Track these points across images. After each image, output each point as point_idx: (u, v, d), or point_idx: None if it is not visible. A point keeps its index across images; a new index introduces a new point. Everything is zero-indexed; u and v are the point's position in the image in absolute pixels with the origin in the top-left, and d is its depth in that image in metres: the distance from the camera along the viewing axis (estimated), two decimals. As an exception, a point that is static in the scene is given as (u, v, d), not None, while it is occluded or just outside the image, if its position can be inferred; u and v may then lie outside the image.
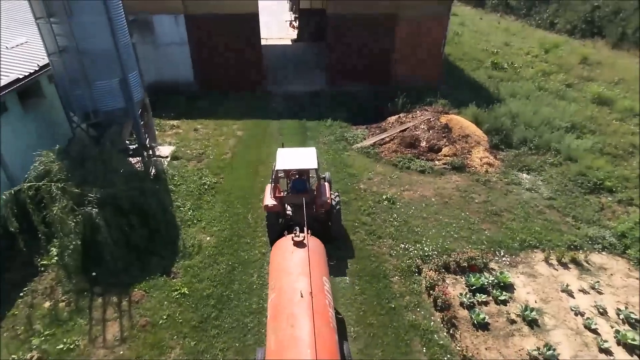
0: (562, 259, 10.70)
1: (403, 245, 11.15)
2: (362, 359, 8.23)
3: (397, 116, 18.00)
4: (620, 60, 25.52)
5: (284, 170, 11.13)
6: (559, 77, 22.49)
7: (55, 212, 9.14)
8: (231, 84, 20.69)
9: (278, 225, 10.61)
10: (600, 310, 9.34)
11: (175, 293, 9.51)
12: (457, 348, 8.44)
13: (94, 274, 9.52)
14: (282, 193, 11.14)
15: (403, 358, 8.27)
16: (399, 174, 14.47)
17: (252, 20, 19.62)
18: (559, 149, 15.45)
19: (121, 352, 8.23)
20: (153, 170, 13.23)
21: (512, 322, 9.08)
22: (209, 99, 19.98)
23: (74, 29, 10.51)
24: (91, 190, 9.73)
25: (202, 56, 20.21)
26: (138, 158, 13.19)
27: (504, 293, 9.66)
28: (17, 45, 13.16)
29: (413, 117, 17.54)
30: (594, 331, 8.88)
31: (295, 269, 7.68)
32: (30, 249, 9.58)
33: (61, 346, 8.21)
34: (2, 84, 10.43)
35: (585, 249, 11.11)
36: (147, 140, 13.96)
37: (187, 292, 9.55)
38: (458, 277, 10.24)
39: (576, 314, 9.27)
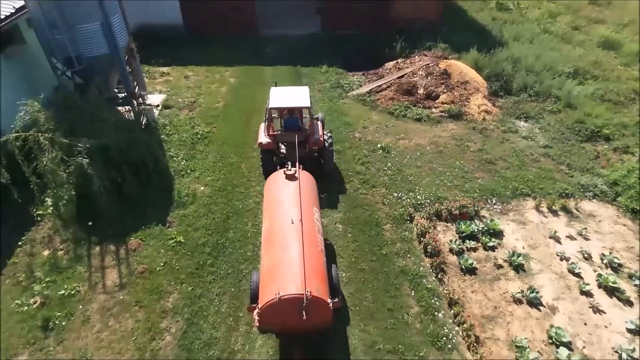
0: (553, 207, 10.83)
1: (396, 194, 11.23)
2: (353, 302, 8.58)
3: (395, 62, 17.39)
4: (633, 1, 24.17)
5: (277, 108, 11.20)
6: (566, 19, 21.44)
7: (45, 163, 9.06)
8: (222, 28, 19.72)
9: (272, 162, 10.86)
10: (585, 255, 9.61)
11: (171, 241, 9.70)
12: (444, 291, 8.78)
13: (90, 223, 9.65)
14: (276, 132, 11.20)
15: (392, 300, 8.61)
16: (394, 123, 14.25)
17: (242, -43, 18.33)
18: (559, 96, 15.09)
19: (121, 297, 8.56)
20: (144, 120, 12.97)
21: (499, 267, 9.37)
22: (199, 44, 19.17)
23: (48, -34, 9.80)
24: (80, 140, 9.58)
25: (190, -3, 19.11)
26: (128, 107, 12.88)
27: (493, 239, 9.89)
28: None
29: (411, 62, 16.93)
30: (578, 275, 9.19)
31: (287, 199, 8.21)
32: (25, 199, 9.62)
33: (62, 292, 8.51)
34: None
35: (576, 196, 11.21)
36: (136, 88, 13.57)
37: (182, 240, 9.74)
38: (449, 224, 10.42)
39: (561, 259, 9.54)
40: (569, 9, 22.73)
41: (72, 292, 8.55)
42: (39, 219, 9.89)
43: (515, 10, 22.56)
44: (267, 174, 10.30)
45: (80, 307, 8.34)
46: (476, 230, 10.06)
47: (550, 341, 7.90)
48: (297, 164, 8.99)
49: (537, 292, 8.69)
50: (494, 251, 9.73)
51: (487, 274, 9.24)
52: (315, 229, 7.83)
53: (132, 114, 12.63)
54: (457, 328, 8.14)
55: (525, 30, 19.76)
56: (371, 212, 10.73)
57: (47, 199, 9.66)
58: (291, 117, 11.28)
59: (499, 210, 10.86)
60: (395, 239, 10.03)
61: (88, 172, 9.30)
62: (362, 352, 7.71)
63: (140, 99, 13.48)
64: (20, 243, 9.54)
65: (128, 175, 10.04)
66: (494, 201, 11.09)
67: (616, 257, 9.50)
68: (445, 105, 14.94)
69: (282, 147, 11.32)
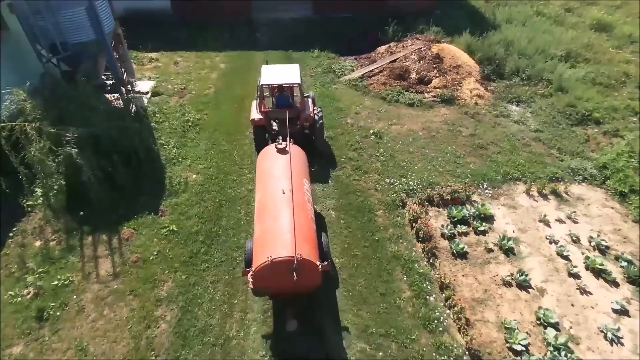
0: (543, 191, 10.96)
1: (389, 180, 11.27)
2: (346, 287, 8.69)
3: (387, 46, 17.22)
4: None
5: (268, 85, 11.49)
6: (559, 1, 21.28)
7: (33, 153, 8.93)
8: (213, 12, 19.29)
9: (264, 138, 11.23)
10: (574, 238, 9.78)
11: (164, 230, 9.69)
12: (436, 275, 8.92)
13: (81, 213, 9.59)
14: (267, 109, 11.43)
15: (384, 285, 8.74)
16: (387, 108, 14.19)
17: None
18: (550, 80, 15.10)
19: (115, 287, 8.58)
20: (133, 107, 12.78)
21: (490, 250, 9.52)
22: (188, 29, 18.82)
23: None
24: (68, 129, 9.44)
25: (178, -20, 18.63)
26: (116, 95, 12.67)
27: (484, 224, 10.01)
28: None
29: (404, 46, 16.77)
30: (566, 258, 9.37)
31: (278, 171, 8.60)
32: (15, 190, 9.51)
33: (56, 282, 8.50)
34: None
35: (566, 180, 11.34)
36: (124, 75, 13.34)
37: (175, 229, 9.74)
38: (441, 209, 10.51)
39: (551, 243, 9.71)
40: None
41: (66, 283, 8.55)
42: (29, 209, 9.78)
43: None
44: (259, 149, 10.58)
45: (74, 297, 8.36)
46: (467, 215, 10.17)
47: (539, 322, 8.10)
48: (288, 139, 9.31)
49: (527, 275, 8.86)
50: (485, 235, 9.86)
51: (477, 258, 9.38)
52: (305, 199, 8.22)
53: (120, 101, 12.45)
54: (448, 311, 8.30)
55: (519, 13, 19.62)
56: (364, 198, 10.77)
57: (36, 189, 9.54)
58: (282, 94, 11.53)
59: (490, 195, 10.96)
60: (387, 224, 10.11)
61: (77, 162, 9.20)
62: (355, 337, 7.85)
63: (128, 86, 13.28)
64: (11, 234, 9.46)
65: (119, 164, 9.94)
66: (485, 186, 11.18)
67: (604, 240, 9.68)
68: (438, 89, 14.89)
69: (274, 124, 11.58)
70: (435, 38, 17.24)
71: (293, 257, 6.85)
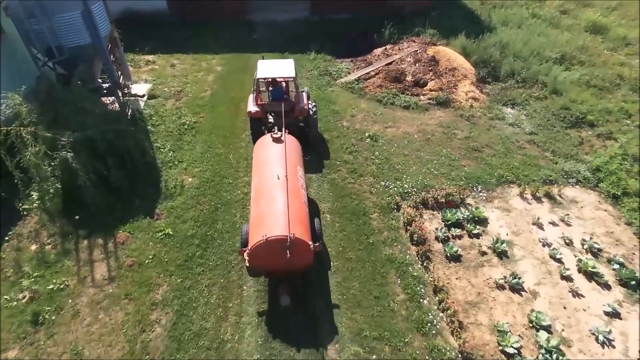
0: (537, 193, 11.03)
1: (384, 183, 11.33)
2: (341, 290, 8.75)
3: (383, 48, 17.28)
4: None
5: (264, 79, 11.86)
6: (555, 3, 21.37)
7: (28, 157, 8.96)
8: (209, 13, 19.31)
9: (260, 130, 11.60)
10: (567, 241, 9.85)
11: (160, 234, 9.74)
12: (430, 279, 8.98)
13: (77, 217, 9.63)
14: (264, 102, 11.85)
15: (378, 288, 8.80)
16: (382, 110, 14.25)
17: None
18: (545, 82, 15.18)
19: (110, 290, 8.62)
20: (129, 111, 12.81)
21: (483, 253, 9.59)
22: (185, 31, 18.86)
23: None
24: (64, 133, 9.48)
25: (175, -18, 18.65)
26: (112, 98, 12.70)
27: (478, 227, 10.08)
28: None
29: (400, 49, 16.84)
30: (559, 260, 9.44)
31: (273, 159, 9.08)
32: (11, 194, 9.55)
33: (51, 286, 8.54)
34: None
35: (559, 183, 11.42)
36: (121, 78, 13.38)
37: (171, 232, 9.78)
38: (435, 212, 10.58)
39: (544, 245, 9.78)
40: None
41: (61, 286, 8.59)
42: (25, 213, 9.82)
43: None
44: (255, 140, 10.92)
45: (70, 301, 8.40)
46: (461, 218, 10.23)
47: (531, 325, 8.17)
48: (283, 129, 9.91)
49: (519, 278, 8.93)
50: (479, 238, 9.94)
51: (471, 261, 9.45)
52: (299, 185, 8.71)
53: (117, 104, 12.48)
54: (441, 314, 8.37)
55: (514, 15, 19.69)
56: (359, 201, 10.83)
57: (32, 193, 9.57)
58: (277, 87, 12.01)
59: (484, 198, 11.03)
60: (382, 227, 10.17)
61: (73, 166, 9.23)
62: (349, 340, 7.91)
63: (125, 89, 13.31)
64: (7, 238, 9.51)
65: (114, 167, 9.98)
66: (479, 189, 11.25)
67: (596, 242, 9.76)
68: (433, 92, 14.96)
69: (270, 117, 11.99)
70: (431, 40, 17.29)
71: (286, 236, 7.33)
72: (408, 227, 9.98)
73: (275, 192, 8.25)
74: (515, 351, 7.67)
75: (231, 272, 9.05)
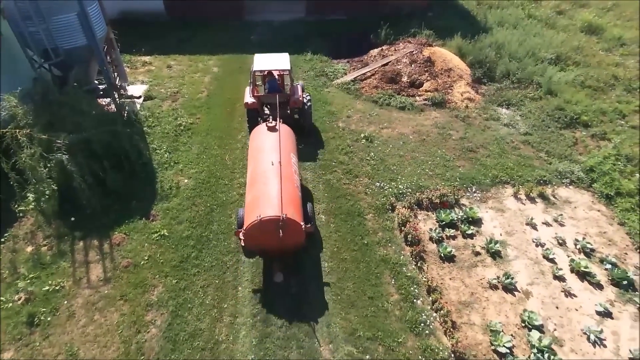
0: (531, 194, 11.10)
1: (379, 184, 11.39)
2: (335, 291, 8.80)
3: (379, 49, 17.36)
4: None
5: (260, 72, 12.42)
6: (551, 4, 21.46)
7: (24, 159, 9.00)
8: (206, 13, 19.37)
9: (256, 121, 11.96)
10: (560, 241, 9.92)
11: (155, 235, 9.78)
12: (424, 279, 9.04)
13: (72, 218, 9.67)
14: (259, 94, 12.35)
15: (372, 289, 8.86)
16: (378, 111, 14.31)
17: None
18: (540, 83, 15.25)
19: (106, 292, 8.66)
20: (125, 112, 12.84)
21: (477, 254, 9.65)
22: (182, 32, 18.88)
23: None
24: (59, 135, 9.51)
25: (171, -17, 18.70)
26: (109, 99, 12.74)
27: (472, 227, 10.14)
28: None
29: (396, 50, 16.90)
30: (552, 260, 9.50)
31: (268, 146, 9.58)
32: (7, 195, 9.58)
33: (47, 288, 8.58)
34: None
35: (553, 183, 11.49)
36: (117, 79, 13.41)
37: (166, 233, 9.83)
38: (430, 213, 10.64)
39: (537, 245, 9.85)
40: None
41: (57, 288, 8.63)
42: (21, 215, 9.84)
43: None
44: (251, 130, 11.28)
45: (65, 302, 8.44)
46: (456, 219, 10.29)
47: (523, 325, 8.24)
48: (277, 119, 10.37)
49: (513, 278, 8.99)
50: (473, 239, 10.00)
51: (465, 261, 9.52)
52: (292, 170, 9.19)
53: (113, 106, 12.51)
54: (434, 314, 8.43)
55: (510, 15, 19.78)
56: (354, 202, 10.88)
57: (28, 194, 9.59)
58: (273, 80, 12.46)
59: (478, 198, 11.10)
60: (377, 228, 10.23)
61: (68, 168, 9.27)
62: (343, 340, 7.97)
63: (121, 91, 13.34)
64: (2, 239, 9.54)
65: (110, 169, 10.02)
66: (473, 189, 11.32)
67: (589, 243, 9.82)
68: (429, 93, 15.02)
69: (266, 109, 12.38)
70: (427, 41, 17.36)
71: (279, 216, 7.84)
72: (402, 228, 10.03)
73: (269, 176, 8.76)
74: (508, 351, 7.74)
75: (226, 273, 9.09)
